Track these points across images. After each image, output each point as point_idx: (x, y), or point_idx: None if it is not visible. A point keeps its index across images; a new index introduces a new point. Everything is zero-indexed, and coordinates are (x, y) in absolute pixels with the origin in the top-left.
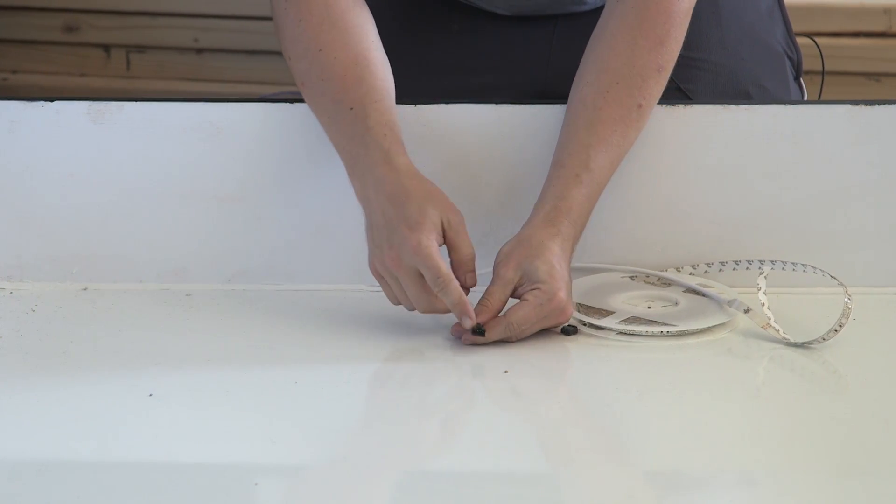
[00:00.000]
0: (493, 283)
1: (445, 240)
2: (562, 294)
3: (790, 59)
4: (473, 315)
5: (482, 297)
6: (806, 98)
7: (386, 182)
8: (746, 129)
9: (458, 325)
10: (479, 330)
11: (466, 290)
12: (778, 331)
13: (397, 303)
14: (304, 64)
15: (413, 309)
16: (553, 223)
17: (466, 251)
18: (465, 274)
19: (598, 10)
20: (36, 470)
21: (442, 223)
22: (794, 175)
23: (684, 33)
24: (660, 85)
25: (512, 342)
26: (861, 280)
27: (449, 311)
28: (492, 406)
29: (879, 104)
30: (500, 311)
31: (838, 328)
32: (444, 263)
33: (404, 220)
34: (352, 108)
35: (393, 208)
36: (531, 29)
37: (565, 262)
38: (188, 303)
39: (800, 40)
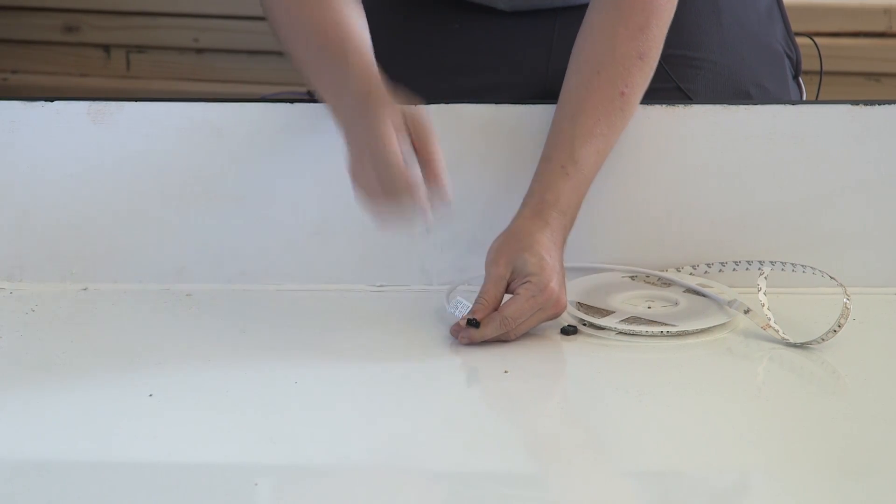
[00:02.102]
0: (485, 281)
1: (412, 141)
2: (553, 284)
3: (789, 58)
4: (426, 204)
5: (477, 296)
6: (804, 97)
7: (358, 84)
8: (746, 129)
9: (456, 324)
10: (473, 323)
11: (439, 193)
12: (777, 331)
13: (379, 210)
14: (285, 21)
15: (392, 208)
16: (540, 215)
17: (432, 149)
18: (433, 174)
19: None
20: (36, 470)
21: (406, 123)
22: (794, 175)
23: (667, 21)
24: (643, 73)
25: (511, 340)
26: (861, 280)
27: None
28: (492, 406)
29: (879, 104)
30: (496, 308)
31: (837, 328)
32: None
33: (367, 117)
34: (330, 49)
35: (362, 107)
36: (532, 24)
37: (555, 254)
38: (188, 303)
39: (799, 40)
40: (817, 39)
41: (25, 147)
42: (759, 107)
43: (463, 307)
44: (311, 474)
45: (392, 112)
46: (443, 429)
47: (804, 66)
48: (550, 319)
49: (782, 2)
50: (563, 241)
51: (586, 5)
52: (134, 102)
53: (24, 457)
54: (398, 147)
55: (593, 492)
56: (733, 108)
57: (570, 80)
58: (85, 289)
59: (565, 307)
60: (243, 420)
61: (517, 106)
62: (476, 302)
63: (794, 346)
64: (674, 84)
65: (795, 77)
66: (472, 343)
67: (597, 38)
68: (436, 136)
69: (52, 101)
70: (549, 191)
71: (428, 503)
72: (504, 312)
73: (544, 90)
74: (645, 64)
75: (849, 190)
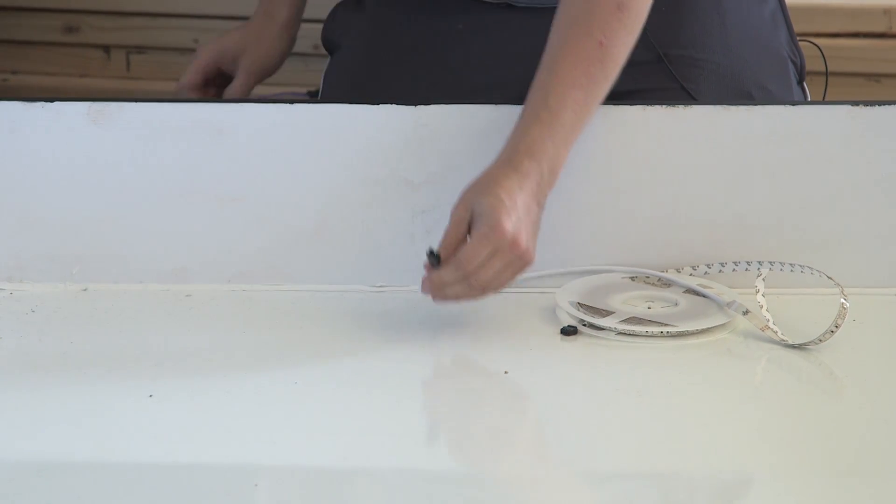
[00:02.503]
0: (448, 224)
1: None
2: (506, 224)
3: (793, 63)
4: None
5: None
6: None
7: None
8: (747, 129)
9: (426, 278)
10: (434, 255)
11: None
12: (776, 332)
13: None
14: None
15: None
16: (510, 162)
17: (233, 86)
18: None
19: None
20: (36, 470)
21: (226, 55)
22: (794, 175)
23: None
24: (623, 24)
25: (477, 294)
26: (861, 280)
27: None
28: (492, 407)
29: (880, 104)
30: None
31: (834, 329)
32: (194, 72)
33: None
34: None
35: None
36: (539, 21)
37: (521, 199)
38: (188, 303)
39: (800, 42)
40: (817, 40)
41: (25, 147)
42: (759, 107)
43: None
44: (311, 474)
45: (218, 46)
46: (443, 429)
47: (806, 66)
48: (518, 270)
49: (786, 7)
50: (538, 190)
51: None
52: (134, 103)
53: (24, 457)
54: (200, 64)
55: (593, 492)
56: (733, 108)
57: (550, 36)
58: (85, 289)
59: (528, 252)
60: (243, 420)
61: (517, 106)
62: (439, 245)
63: (793, 346)
64: (678, 84)
65: (800, 82)
66: (438, 297)
67: None
68: (246, 76)
69: (52, 101)
70: (522, 140)
71: (427, 503)
72: (458, 254)
73: None
74: (625, 16)
75: (849, 190)
